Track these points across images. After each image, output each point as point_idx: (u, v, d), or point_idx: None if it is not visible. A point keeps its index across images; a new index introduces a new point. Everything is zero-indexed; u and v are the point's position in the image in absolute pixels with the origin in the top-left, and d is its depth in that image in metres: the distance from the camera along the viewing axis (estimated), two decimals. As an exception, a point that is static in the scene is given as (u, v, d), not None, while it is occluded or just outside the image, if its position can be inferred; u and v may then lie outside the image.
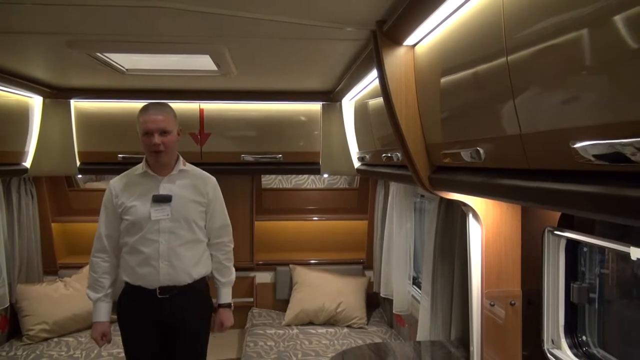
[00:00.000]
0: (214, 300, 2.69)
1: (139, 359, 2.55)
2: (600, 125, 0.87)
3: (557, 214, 1.84)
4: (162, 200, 2.43)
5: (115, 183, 2.50)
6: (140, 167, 2.50)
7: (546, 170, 1.13)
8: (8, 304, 3.59)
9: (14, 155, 3.37)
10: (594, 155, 0.85)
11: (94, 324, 2.51)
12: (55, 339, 3.53)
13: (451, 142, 1.64)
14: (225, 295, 2.70)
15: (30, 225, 3.84)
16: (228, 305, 2.70)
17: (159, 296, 2.42)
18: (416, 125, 1.91)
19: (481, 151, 1.39)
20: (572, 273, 1.83)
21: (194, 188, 2.53)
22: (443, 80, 1.65)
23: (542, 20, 1.04)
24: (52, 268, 4.09)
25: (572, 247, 1.83)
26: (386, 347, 2.63)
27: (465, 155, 1.46)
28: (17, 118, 3.36)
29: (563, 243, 1.83)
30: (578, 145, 0.89)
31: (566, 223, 1.78)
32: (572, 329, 1.85)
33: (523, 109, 1.16)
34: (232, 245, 2.71)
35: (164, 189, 2.45)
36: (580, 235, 1.70)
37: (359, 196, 4.67)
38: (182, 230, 2.45)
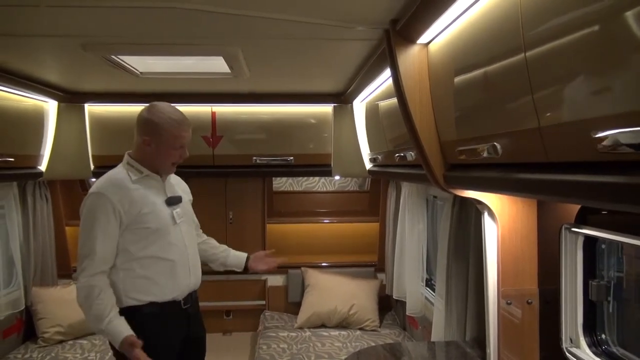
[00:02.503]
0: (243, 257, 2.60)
1: None
2: (626, 113, 0.87)
3: (574, 211, 1.83)
4: (176, 202, 2.26)
5: (110, 194, 2.09)
6: (132, 171, 2.19)
7: (565, 163, 1.12)
8: (23, 306, 3.63)
9: (29, 158, 3.42)
10: (627, 145, 0.84)
11: (122, 343, 2.01)
12: (70, 342, 3.55)
13: (466, 138, 1.64)
14: (238, 253, 2.60)
15: (45, 228, 3.88)
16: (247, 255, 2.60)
17: (184, 307, 2.23)
18: (430, 123, 1.90)
19: (498, 146, 1.38)
20: (590, 270, 1.81)
21: (181, 187, 2.43)
22: (458, 77, 1.65)
23: (561, 14, 1.03)
24: (66, 271, 4.12)
25: (590, 244, 1.81)
26: (401, 347, 2.62)
27: (482, 150, 1.46)
28: (33, 122, 3.41)
29: (581, 240, 1.81)
30: (604, 134, 0.88)
31: (584, 220, 1.76)
32: (591, 328, 1.82)
33: (542, 103, 1.15)
34: None
35: (169, 190, 2.28)
36: (599, 231, 1.68)
37: (370, 199, 4.66)
38: (193, 232, 2.39)
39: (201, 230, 2.61)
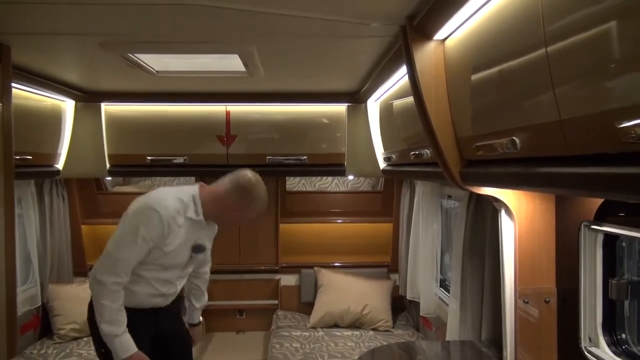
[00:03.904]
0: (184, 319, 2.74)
1: None
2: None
3: (593, 209, 1.80)
4: (200, 250, 2.37)
5: (163, 216, 2.16)
6: (192, 209, 2.25)
7: (586, 156, 1.10)
8: (40, 303, 3.68)
9: (47, 157, 3.47)
10: None
11: (129, 358, 2.15)
12: (85, 339, 3.58)
13: (484, 134, 1.62)
14: (198, 316, 2.74)
15: (61, 226, 3.92)
16: (199, 324, 2.76)
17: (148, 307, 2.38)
18: (447, 119, 1.89)
19: (517, 140, 1.37)
20: (610, 269, 1.78)
21: (214, 228, 2.51)
22: (475, 72, 1.64)
23: (584, 6, 1.02)
24: (82, 269, 4.16)
25: (610, 241, 1.78)
26: (415, 346, 2.60)
27: (500, 146, 1.44)
28: (51, 121, 3.46)
29: (600, 238, 1.78)
30: (629, 124, 0.86)
31: (604, 217, 1.73)
32: (611, 327, 1.79)
33: (564, 96, 1.14)
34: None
35: (201, 237, 2.37)
36: (620, 228, 1.66)
37: (384, 199, 4.64)
38: (190, 270, 2.49)
39: (208, 268, 2.68)
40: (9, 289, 2.32)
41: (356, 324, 3.89)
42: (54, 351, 3.42)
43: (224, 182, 2.29)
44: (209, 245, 2.49)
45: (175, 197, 2.24)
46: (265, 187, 2.35)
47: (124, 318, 2.17)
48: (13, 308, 2.38)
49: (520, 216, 1.97)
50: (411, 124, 2.57)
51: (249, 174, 2.31)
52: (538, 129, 1.28)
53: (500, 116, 1.53)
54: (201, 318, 2.78)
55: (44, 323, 3.74)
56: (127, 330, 2.16)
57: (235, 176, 2.29)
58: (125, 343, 2.15)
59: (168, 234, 2.18)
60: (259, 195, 2.29)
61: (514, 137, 1.37)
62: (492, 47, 1.52)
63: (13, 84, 2.45)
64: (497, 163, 1.58)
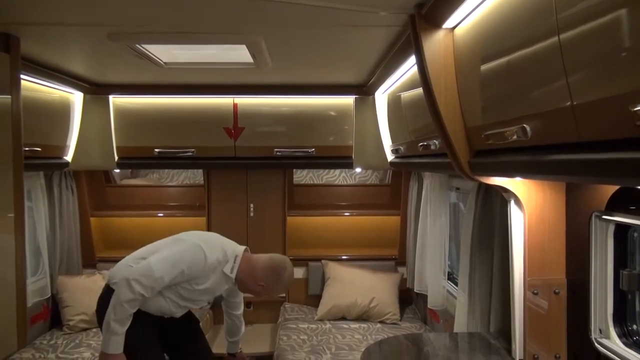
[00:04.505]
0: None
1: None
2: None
3: (604, 199, 1.78)
4: (215, 300, 2.70)
5: (211, 263, 2.43)
6: (229, 266, 2.50)
7: (599, 141, 1.08)
8: (49, 294, 3.71)
9: (56, 149, 3.48)
10: None
11: (113, 356, 2.33)
12: (94, 329, 3.61)
13: (493, 122, 1.60)
14: (235, 347, 3.00)
15: (70, 219, 3.95)
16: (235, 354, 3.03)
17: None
18: (456, 109, 1.87)
19: (527, 128, 1.35)
20: (621, 259, 1.76)
21: (230, 289, 2.74)
22: (485, 61, 1.62)
23: None
24: (90, 261, 4.20)
25: (621, 232, 1.76)
26: (423, 338, 2.59)
27: (510, 134, 1.43)
28: (59, 113, 3.47)
29: (612, 228, 1.76)
30: None
31: (615, 207, 1.71)
32: (621, 318, 1.78)
33: (576, 82, 1.12)
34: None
35: (224, 291, 2.67)
36: (632, 218, 1.63)
37: (391, 192, 4.63)
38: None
39: (241, 311, 2.93)
40: (19, 280, 2.34)
41: (363, 317, 3.88)
42: (64, 341, 3.46)
43: (263, 258, 2.59)
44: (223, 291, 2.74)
45: (222, 248, 2.52)
46: (292, 277, 2.66)
47: (129, 322, 2.34)
48: (23, 299, 2.40)
49: (529, 207, 1.95)
50: (419, 116, 2.55)
51: (286, 261, 2.64)
52: (549, 116, 1.26)
53: (510, 104, 1.51)
54: (240, 349, 3.02)
55: (53, 314, 3.77)
56: (124, 333, 2.34)
57: (273, 257, 2.62)
58: (118, 343, 2.33)
59: (203, 277, 2.44)
60: (284, 282, 2.60)
61: (524, 125, 1.36)
62: (502, 35, 1.50)
63: (22, 76, 2.46)
64: (507, 152, 1.56)
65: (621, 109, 0.94)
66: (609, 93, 1.00)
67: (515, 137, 1.41)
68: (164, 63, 2.78)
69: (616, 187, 1.72)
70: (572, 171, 1.20)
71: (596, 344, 1.79)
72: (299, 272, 4.36)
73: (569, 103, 1.14)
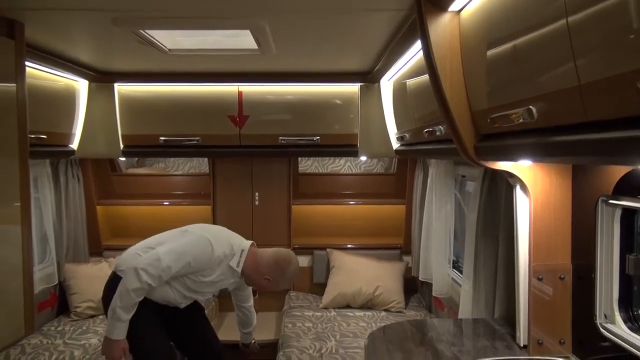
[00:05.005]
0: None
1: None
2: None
3: (611, 184, 1.76)
4: (221, 293, 2.74)
5: (217, 257, 2.49)
6: (235, 260, 2.55)
7: (606, 121, 1.07)
8: (57, 281, 3.75)
9: (61, 137, 3.50)
10: None
11: (116, 342, 2.39)
12: (101, 316, 3.64)
13: (499, 105, 1.59)
14: (248, 338, 3.13)
15: (76, 207, 3.98)
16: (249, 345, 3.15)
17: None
18: (461, 93, 1.86)
19: (533, 110, 1.33)
20: (628, 244, 1.75)
21: (237, 283, 2.78)
22: (491, 44, 1.60)
23: None
24: (97, 249, 4.23)
25: (628, 216, 1.74)
26: (427, 324, 2.60)
27: (516, 116, 1.41)
28: (65, 101, 3.48)
29: (618, 213, 1.74)
30: None
31: (622, 192, 1.70)
32: (627, 303, 1.77)
33: (585, 64, 1.10)
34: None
35: (230, 284, 2.71)
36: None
37: (397, 181, 4.62)
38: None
39: (251, 303, 3.03)
40: (25, 267, 2.35)
41: (368, 305, 3.90)
42: (71, 328, 3.49)
43: (268, 252, 2.64)
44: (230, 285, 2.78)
45: (229, 241, 2.57)
46: (298, 271, 2.70)
47: (134, 310, 2.40)
48: (30, 286, 2.41)
49: (535, 192, 1.94)
50: (425, 103, 2.53)
51: (291, 255, 2.68)
52: (555, 96, 1.25)
53: (516, 87, 1.49)
54: (253, 340, 3.11)
55: (61, 301, 3.82)
56: (129, 320, 2.39)
57: (278, 251, 2.67)
58: (122, 329, 2.39)
59: (209, 269, 2.49)
60: (289, 276, 2.65)
61: (530, 106, 1.34)
62: (508, 18, 1.48)
63: (27, 63, 2.45)
64: (513, 135, 1.55)
65: (629, 85, 0.92)
66: (616, 70, 0.99)
67: (521, 119, 1.39)
68: (168, 50, 2.77)
69: (623, 172, 1.71)
70: (579, 152, 1.19)
71: (601, 329, 1.78)
72: (304, 261, 4.37)
73: (576, 83, 1.13)
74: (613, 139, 1.03)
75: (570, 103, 1.17)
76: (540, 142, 1.36)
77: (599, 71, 1.06)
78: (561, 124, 1.26)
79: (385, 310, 3.85)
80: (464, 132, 1.86)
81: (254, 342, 3.14)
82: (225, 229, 2.76)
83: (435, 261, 3.41)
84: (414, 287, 4.19)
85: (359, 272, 3.99)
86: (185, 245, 2.48)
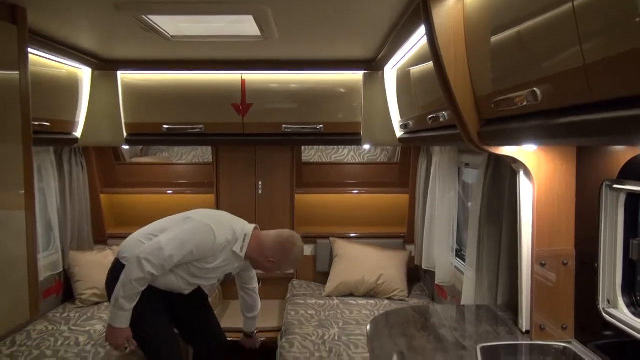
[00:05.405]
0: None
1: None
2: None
3: (615, 170, 1.75)
4: (226, 278, 2.72)
5: (220, 243, 2.49)
6: (239, 245, 2.56)
7: (612, 100, 1.06)
8: (61, 269, 3.78)
9: (65, 124, 3.50)
10: None
11: (119, 330, 2.42)
12: (105, 303, 3.67)
13: (503, 89, 1.58)
14: (252, 326, 3.15)
15: (81, 195, 3.99)
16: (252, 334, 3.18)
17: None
18: (465, 78, 1.84)
19: (538, 92, 1.32)
20: (632, 229, 1.75)
21: (242, 267, 2.80)
22: (495, 29, 1.58)
23: None
24: (101, 237, 4.25)
25: (632, 201, 1.74)
26: (430, 310, 2.60)
27: (520, 99, 1.40)
28: (68, 89, 3.48)
29: (623, 198, 1.74)
30: None
31: (628, 176, 1.68)
32: (630, 288, 1.76)
33: (590, 48, 1.08)
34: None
35: (234, 269, 2.70)
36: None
37: (400, 171, 4.61)
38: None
39: (255, 285, 3.02)
40: (30, 254, 2.36)
41: (371, 294, 3.91)
42: (76, 314, 3.52)
43: (272, 234, 2.63)
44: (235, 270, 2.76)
45: (231, 227, 2.56)
46: (302, 252, 2.68)
47: (137, 299, 2.41)
48: (35, 273, 2.42)
49: (539, 177, 1.93)
50: (429, 91, 2.52)
51: (295, 236, 2.67)
52: (560, 77, 1.24)
53: (521, 71, 1.48)
54: (255, 330, 3.12)
55: (66, 288, 3.85)
56: (132, 309, 2.41)
57: (281, 233, 2.66)
58: (125, 317, 2.41)
59: (212, 257, 2.49)
60: (294, 257, 2.64)
61: (534, 89, 1.33)
62: (514, 1, 1.46)
63: (30, 50, 2.45)
64: (517, 119, 1.54)
65: (635, 63, 0.91)
66: (623, 49, 0.98)
67: (525, 102, 1.38)
68: (171, 37, 2.76)
69: (629, 157, 1.70)
70: (584, 132, 1.18)
71: (604, 314, 1.78)
72: (307, 250, 4.37)
73: (582, 63, 1.11)
74: (619, 118, 1.02)
75: (575, 83, 1.16)
76: (545, 124, 1.35)
77: (605, 50, 1.05)
78: (566, 105, 1.25)
79: (388, 298, 3.87)
80: (468, 117, 1.85)
81: (256, 333, 3.14)
82: (227, 213, 2.76)
83: (438, 249, 3.42)
84: (417, 276, 4.19)
85: (362, 261, 4.00)
86: (188, 234, 2.48)
